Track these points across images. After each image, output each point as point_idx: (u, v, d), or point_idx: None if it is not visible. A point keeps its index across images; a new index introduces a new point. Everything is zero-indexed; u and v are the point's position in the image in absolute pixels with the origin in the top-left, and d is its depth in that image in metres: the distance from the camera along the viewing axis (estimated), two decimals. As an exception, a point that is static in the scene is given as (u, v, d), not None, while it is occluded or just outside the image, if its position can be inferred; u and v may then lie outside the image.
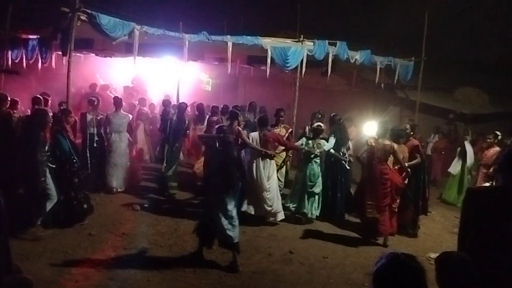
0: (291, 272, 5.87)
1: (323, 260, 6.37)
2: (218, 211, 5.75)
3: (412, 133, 8.28)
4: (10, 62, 10.90)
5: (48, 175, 6.37)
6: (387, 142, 7.15)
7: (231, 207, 5.81)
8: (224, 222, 5.73)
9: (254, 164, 7.67)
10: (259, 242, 6.91)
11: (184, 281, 5.37)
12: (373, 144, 7.19)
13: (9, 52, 10.81)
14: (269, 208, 7.64)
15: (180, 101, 9.88)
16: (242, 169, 6.31)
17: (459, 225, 3.33)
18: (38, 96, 8.71)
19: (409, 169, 7.35)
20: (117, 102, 9.21)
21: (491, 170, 8.90)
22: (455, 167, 10.72)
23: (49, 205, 6.41)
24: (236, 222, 5.85)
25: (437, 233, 8.00)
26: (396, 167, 7.37)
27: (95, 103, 8.92)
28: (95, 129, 8.74)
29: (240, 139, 7.70)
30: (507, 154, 3.19)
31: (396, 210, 7.35)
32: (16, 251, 2.90)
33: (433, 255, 6.72)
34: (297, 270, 5.96)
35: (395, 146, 7.14)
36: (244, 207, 7.55)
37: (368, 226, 7.27)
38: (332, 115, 8.85)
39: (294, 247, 6.73)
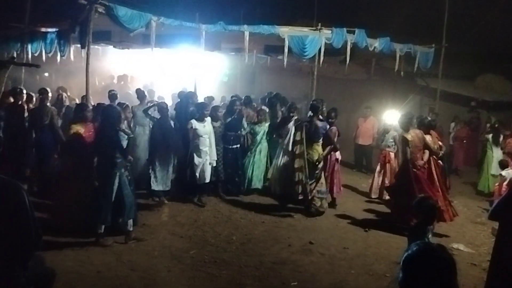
0: (311, 263, 5.84)
1: (344, 251, 6.31)
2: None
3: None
4: (30, 56, 11.03)
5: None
6: (417, 131, 7.18)
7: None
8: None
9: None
10: (279, 232, 6.89)
11: (205, 272, 5.39)
12: (411, 138, 6.99)
13: (29, 46, 10.92)
14: None
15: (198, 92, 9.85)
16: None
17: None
18: (44, 88, 8.46)
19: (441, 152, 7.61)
20: (141, 94, 8.94)
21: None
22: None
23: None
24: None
25: (460, 222, 7.85)
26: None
27: (115, 97, 8.92)
28: None
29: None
30: None
31: None
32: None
33: (456, 246, 6.63)
34: (317, 261, 5.92)
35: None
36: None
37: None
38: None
39: (314, 237, 6.69)
